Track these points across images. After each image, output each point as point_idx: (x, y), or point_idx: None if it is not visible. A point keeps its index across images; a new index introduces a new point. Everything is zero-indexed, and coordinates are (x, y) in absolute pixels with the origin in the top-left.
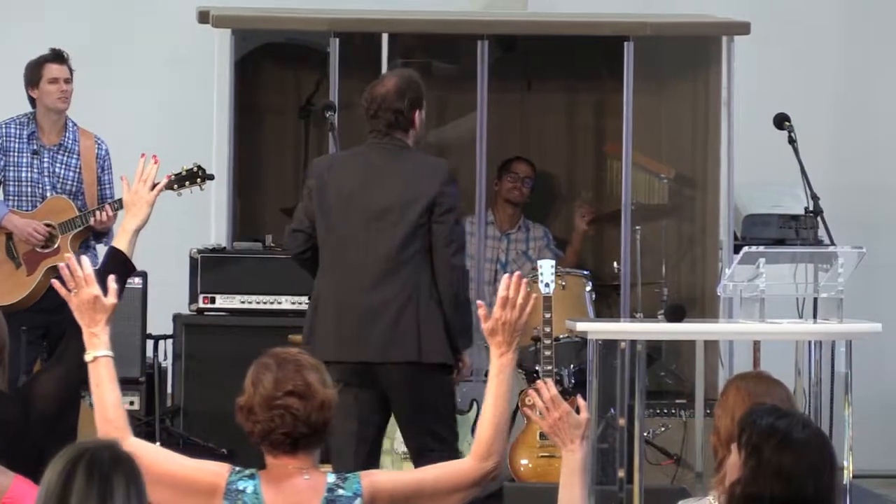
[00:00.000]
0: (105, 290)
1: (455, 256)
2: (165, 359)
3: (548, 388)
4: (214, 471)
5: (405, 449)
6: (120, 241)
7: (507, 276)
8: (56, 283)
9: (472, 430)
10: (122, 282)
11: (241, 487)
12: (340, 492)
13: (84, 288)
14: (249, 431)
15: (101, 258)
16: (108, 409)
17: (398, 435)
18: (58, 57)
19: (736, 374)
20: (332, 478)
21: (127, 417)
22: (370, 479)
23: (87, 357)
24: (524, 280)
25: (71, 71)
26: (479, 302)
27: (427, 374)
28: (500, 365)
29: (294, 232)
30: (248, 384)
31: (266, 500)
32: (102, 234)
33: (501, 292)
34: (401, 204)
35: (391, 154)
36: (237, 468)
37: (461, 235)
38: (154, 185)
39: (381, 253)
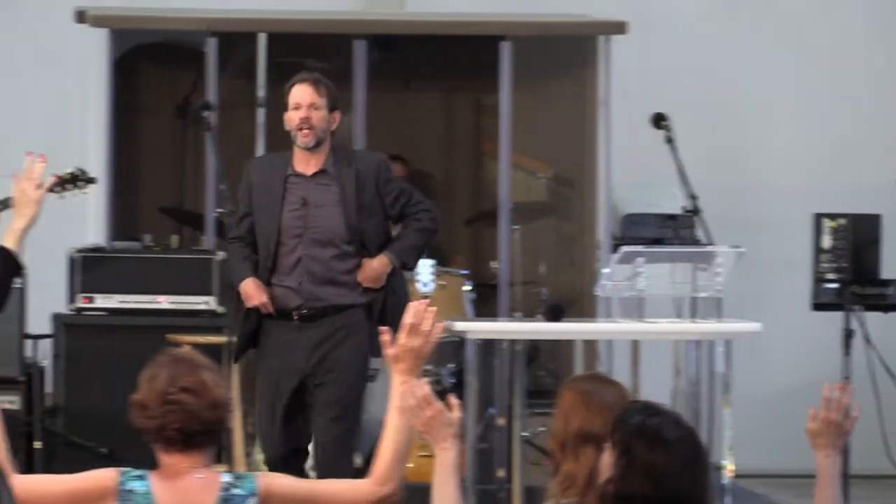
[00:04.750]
0: None
1: None
2: (44, 358)
3: (420, 387)
4: (103, 476)
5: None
6: (8, 240)
7: (413, 303)
8: None
9: None
10: (9, 281)
11: (131, 488)
12: (236, 490)
13: None
14: (143, 428)
15: None
16: None
17: None
18: None
19: (571, 377)
20: (227, 477)
21: (9, 461)
22: (266, 479)
23: None
24: (432, 308)
25: None
26: (382, 328)
27: None
28: (402, 392)
29: None
30: (142, 381)
31: (158, 500)
32: None
33: (407, 319)
34: None
35: None
36: (126, 469)
37: None
38: (41, 184)
39: None
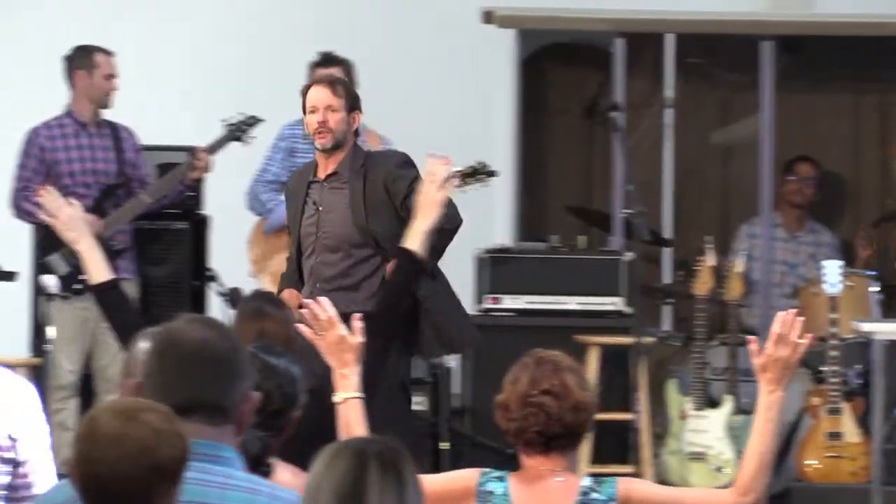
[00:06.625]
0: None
1: None
2: (451, 359)
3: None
4: (465, 476)
5: (692, 450)
6: (411, 242)
7: (781, 313)
8: (301, 326)
9: None
10: (412, 282)
11: (490, 489)
12: (595, 495)
13: (329, 330)
14: (505, 429)
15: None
16: None
17: (686, 435)
18: (325, 61)
19: None
20: (587, 481)
21: None
22: (627, 485)
23: (337, 398)
24: (800, 319)
25: (348, 72)
26: (749, 337)
27: None
28: (768, 402)
29: None
30: (506, 382)
31: (515, 501)
32: None
33: (775, 329)
34: None
35: None
36: (487, 470)
37: None
38: (444, 185)
39: None
